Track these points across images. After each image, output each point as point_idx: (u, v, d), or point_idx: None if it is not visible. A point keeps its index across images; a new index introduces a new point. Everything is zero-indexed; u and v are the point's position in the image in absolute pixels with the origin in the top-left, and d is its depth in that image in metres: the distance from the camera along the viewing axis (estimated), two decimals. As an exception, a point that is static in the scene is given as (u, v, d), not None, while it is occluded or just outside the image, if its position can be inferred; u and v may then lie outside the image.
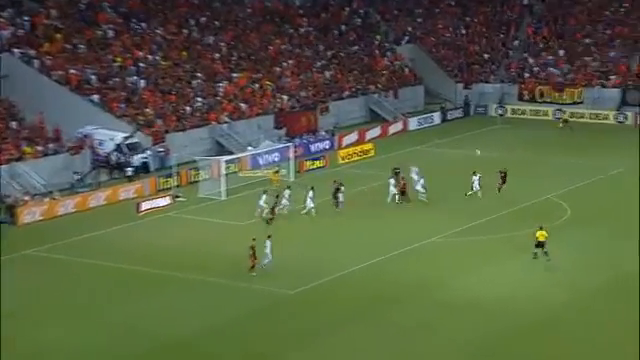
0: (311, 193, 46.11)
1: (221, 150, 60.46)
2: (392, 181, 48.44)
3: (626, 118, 70.86)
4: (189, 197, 50.35)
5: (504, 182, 48.94)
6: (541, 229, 38.77)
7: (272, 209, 45.00)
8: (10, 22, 61.01)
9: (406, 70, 78.52)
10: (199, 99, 62.85)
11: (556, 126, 68.51)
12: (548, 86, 74.87)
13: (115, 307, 34.75)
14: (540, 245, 38.44)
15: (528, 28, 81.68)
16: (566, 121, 68.57)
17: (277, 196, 46.12)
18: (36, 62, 59.18)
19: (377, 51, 78.74)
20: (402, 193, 47.75)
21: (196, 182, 52.78)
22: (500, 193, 48.36)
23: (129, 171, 53.67)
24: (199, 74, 65.14)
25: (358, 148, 61.55)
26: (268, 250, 37.52)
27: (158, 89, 61.95)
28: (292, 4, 79.82)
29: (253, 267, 37.32)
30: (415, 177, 49.24)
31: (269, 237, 37.87)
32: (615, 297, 35.12)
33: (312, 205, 45.60)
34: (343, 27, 79.87)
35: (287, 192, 46.48)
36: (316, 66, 72.71)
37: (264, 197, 45.77)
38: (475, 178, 49.13)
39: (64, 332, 32.59)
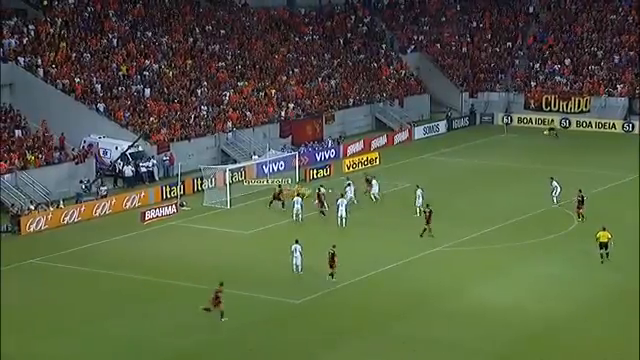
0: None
1: (226, 159, 60.30)
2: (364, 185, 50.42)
3: (633, 127, 70.49)
4: (194, 206, 50.17)
5: (581, 207, 45.25)
6: (604, 230, 38.69)
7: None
8: (15, 31, 60.95)
9: (412, 79, 78.38)
10: (204, 107, 62.70)
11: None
12: (554, 95, 74.62)
13: (119, 318, 34.48)
14: (603, 246, 38.32)
15: (534, 36, 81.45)
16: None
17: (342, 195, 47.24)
18: (41, 71, 59.13)
19: (383, 59, 78.62)
20: (321, 204, 47.39)
21: (201, 191, 52.60)
22: (581, 220, 45.16)
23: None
24: (204, 82, 65.03)
25: (363, 157, 61.36)
26: (298, 254, 37.90)
27: (163, 98, 61.83)
28: (297, 12, 79.74)
29: (332, 274, 37.35)
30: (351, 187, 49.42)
31: (297, 242, 38.24)
32: (618, 309, 34.74)
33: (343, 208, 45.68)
34: (348, 35, 79.77)
35: (299, 200, 46.71)
36: (321, 74, 72.57)
37: (300, 201, 46.63)
38: (555, 184, 48.10)
39: (67, 344, 32.30)
